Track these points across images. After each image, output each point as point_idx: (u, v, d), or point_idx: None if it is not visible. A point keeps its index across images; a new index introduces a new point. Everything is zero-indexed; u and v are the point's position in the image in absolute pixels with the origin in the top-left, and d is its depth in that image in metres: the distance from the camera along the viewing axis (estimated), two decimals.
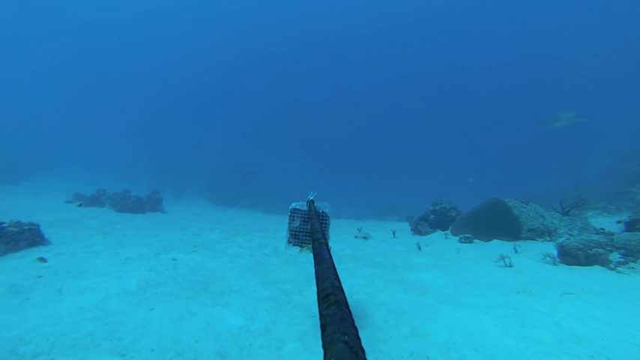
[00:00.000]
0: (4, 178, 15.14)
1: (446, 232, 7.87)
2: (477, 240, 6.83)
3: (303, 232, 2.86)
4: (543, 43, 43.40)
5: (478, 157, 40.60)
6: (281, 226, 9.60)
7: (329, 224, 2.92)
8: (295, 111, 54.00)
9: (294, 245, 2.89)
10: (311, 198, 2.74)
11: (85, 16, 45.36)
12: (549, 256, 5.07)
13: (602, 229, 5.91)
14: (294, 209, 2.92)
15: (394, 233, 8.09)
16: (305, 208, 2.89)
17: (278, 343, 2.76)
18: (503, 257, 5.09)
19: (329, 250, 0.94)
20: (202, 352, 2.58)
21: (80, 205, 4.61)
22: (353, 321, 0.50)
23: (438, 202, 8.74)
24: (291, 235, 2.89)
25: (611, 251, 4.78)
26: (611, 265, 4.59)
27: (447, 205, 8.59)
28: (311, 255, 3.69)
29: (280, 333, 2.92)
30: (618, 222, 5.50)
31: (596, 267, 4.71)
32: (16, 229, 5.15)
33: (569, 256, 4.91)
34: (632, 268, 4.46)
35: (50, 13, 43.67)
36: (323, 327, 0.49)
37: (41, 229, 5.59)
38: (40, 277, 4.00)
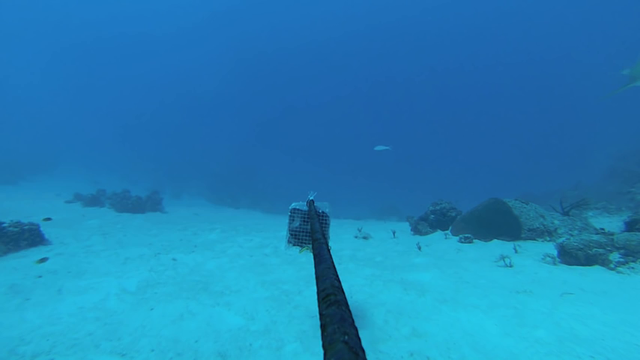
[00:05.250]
0: (4, 178, 15.14)
1: (446, 232, 7.86)
2: (476, 240, 6.83)
3: (303, 232, 2.86)
4: (544, 43, 43.42)
5: (478, 156, 40.61)
6: (281, 226, 9.60)
7: (329, 224, 2.92)
8: (295, 111, 54.01)
9: (294, 245, 2.89)
10: (311, 198, 2.74)
11: (85, 15, 45.35)
12: (549, 256, 5.07)
13: (603, 229, 5.91)
14: (294, 209, 2.92)
15: (394, 233, 8.09)
16: (305, 208, 2.88)
17: (278, 343, 2.76)
18: (503, 257, 5.09)
19: (329, 250, 0.94)
20: (202, 352, 2.58)
21: (47, 219, 4.59)
22: (353, 321, 0.50)
23: (438, 202, 8.73)
24: (291, 235, 2.89)
25: (611, 251, 4.78)
26: (611, 265, 4.58)
27: (447, 205, 8.59)
28: (311, 255, 3.69)
29: (280, 333, 2.92)
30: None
31: (596, 267, 4.70)
32: (16, 229, 5.15)
33: (569, 256, 4.91)
34: (632, 268, 4.46)
35: (50, 13, 43.65)
36: (323, 327, 0.49)
37: (41, 229, 5.59)
38: (40, 277, 4.00)
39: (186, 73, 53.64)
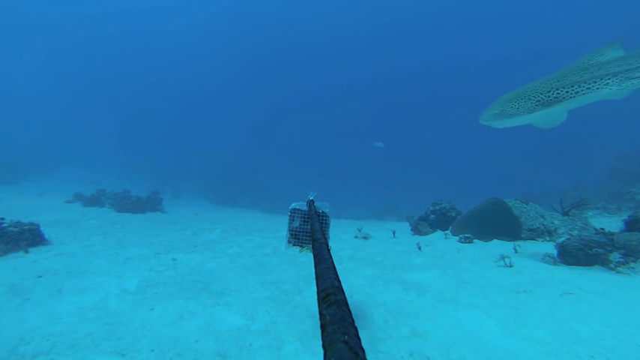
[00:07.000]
0: (4, 178, 15.13)
1: (446, 232, 7.86)
2: (476, 240, 6.83)
3: (303, 232, 2.86)
4: (543, 41, 43.39)
5: (478, 156, 40.61)
6: (281, 226, 9.60)
7: (329, 224, 2.91)
8: (295, 111, 54.01)
9: (294, 245, 2.89)
10: (311, 198, 2.73)
11: (83, 12, 45.33)
12: (549, 256, 5.07)
13: (602, 229, 5.91)
14: (294, 209, 2.92)
15: (394, 233, 8.09)
16: (305, 208, 2.88)
17: (278, 343, 2.76)
18: (503, 257, 5.09)
19: (329, 250, 0.94)
20: (202, 352, 2.58)
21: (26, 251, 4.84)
22: (353, 321, 0.50)
23: (438, 202, 8.73)
24: (291, 235, 2.89)
25: (611, 251, 4.78)
26: (611, 265, 4.58)
27: (447, 205, 8.59)
28: (311, 255, 3.68)
29: (280, 333, 2.92)
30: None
31: (596, 267, 4.71)
32: (16, 229, 5.14)
33: (569, 256, 4.90)
34: (632, 268, 4.46)
35: (47, 10, 43.61)
36: (323, 327, 0.49)
37: (41, 229, 5.59)
38: (40, 277, 4.00)
39: (186, 72, 53.66)
